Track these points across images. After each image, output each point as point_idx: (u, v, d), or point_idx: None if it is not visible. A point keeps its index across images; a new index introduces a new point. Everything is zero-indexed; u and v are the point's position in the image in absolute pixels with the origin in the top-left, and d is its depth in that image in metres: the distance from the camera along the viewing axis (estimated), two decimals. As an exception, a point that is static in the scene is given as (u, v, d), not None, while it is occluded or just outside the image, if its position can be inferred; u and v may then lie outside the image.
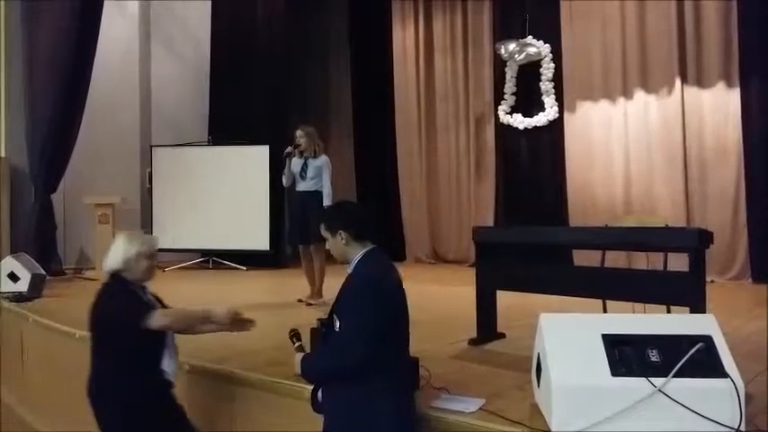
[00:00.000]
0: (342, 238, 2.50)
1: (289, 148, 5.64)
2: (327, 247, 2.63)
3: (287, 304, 5.63)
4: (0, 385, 5.50)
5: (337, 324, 2.37)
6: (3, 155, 8.24)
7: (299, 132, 5.64)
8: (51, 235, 7.94)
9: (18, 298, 5.79)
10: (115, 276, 2.89)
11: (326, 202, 5.47)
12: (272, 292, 6.99)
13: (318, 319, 3.22)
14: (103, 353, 2.87)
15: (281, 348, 3.19)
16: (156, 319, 2.75)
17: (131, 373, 2.79)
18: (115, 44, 8.92)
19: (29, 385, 5.06)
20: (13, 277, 6.14)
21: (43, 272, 6.51)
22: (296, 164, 5.62)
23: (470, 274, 4.24)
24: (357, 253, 2.49)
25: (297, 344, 2.79)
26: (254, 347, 3.73)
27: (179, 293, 6.58)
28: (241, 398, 3.24)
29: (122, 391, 2.79)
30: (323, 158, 5.62)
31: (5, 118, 8.29)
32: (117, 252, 2.88)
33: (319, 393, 2.49)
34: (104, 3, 7.78)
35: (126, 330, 2.77)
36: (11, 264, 6.28)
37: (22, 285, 6.03)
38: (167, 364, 2.86)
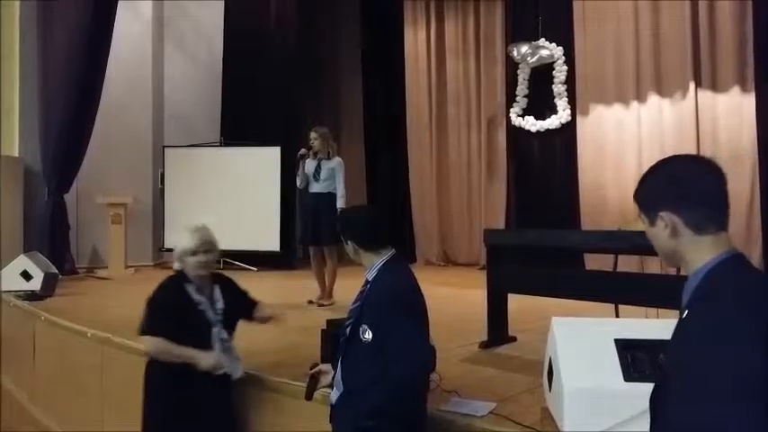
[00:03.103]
0: (352, 247, 2.49)
1: (302, 150, 5.65)
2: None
3: (296, 305, 5.64)
4: (12, 383, 5.54)
5: (368, 334, 2.28)
6: (17, 155, 8.31)
7: (312, 134, 5.65)
8: (64, 234, 7.99)
9: (31, 296, 5.84)
10: (178, 271, 2.99)
11: (340, 203, 5.48)
12: (281, 293, 6.98)
13: (328, 320, 3.22)
14: None
15: (288, 349, 3.19)
16: (145, 342, 2.93)
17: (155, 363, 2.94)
18: (128, 45, 8.98)
19: (40, 383, 5.10)
20: (27, 276, 6.19)
21: (56, 271, 6.57)
22: (309, 165, 5.63)
23: (481, 277, 4.23)
24: (371, 261, 2.44)
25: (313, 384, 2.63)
26: (261, 348, 3.74)
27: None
28: (248, 398, 3.24)
29: (150, 377, 2.98)
30: (336, 160, 5.62)
31: (20, 118, 8.37)
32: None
33: (333, 396, 2.45)
34: (118, 4, 7.83)
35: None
36: (24, 262, 6.33)
37: (35, 284, 6.08)
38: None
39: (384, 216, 2.65)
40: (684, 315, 1.30)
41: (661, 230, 1.34)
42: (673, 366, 1.28)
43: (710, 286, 1.27)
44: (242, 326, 4.81)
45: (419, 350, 2.24)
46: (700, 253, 1.31)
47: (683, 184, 1.33)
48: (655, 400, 1.37)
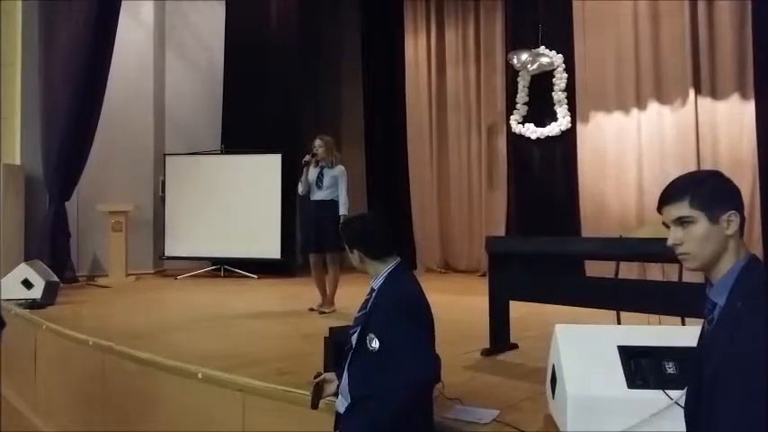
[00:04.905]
0: (357, 256, 2.48)
1: (307, 157, 5.69)
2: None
3: (297, 313, 5.64)
4: (13, 392, 5.52)
5: (375, 343, 2.27)
6: (18, 162, 8.32)
7: (317, 142, 5.69)
8: (65, 242, 7.99)
9: (32, 305, 5.82)
10: None
11: (342, 211, 5.52)
12: (282, 300, 7.00)
13: (330, 328, 3.22)
14: None
15: (291, 357, 3.18)
16: None
17: None
18: (130, 52, 9.00)
19: (41, 392, 5.08)
20: (27, 284, 6.17)
21: (57, 279, 6.56)
22: (312, 173, 5.67)
23: (482, 284, 4.23)
24: (377, 269, 2.44)
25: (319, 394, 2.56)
26: (264, 356, 3.73)
27: (191, 302, 6.62)
28: (251, 406, 3.24)
29: None
30: (339, 168, 5.66)
31: (21, 126, 8.38)
32: None
33: (338, 404, 2.44)
34: (120, 11, 7.85)
35: None
36: (25, 271, 6.32)
37: (36, 292, 6.06)
38: None
39: (389, 224, 2.63)
40: (727, 313, 1.38)
41: (724, 229, 1.46)
42: (719, 368, 1.33)
43: (751, 282, 1.39)
44: (244, 333, 4.81)
45: (426, 359, 2.24)
46: (737, 253, 1.47)
47: (737, 190, 1.50)
48: (694, 406, 1.41)
